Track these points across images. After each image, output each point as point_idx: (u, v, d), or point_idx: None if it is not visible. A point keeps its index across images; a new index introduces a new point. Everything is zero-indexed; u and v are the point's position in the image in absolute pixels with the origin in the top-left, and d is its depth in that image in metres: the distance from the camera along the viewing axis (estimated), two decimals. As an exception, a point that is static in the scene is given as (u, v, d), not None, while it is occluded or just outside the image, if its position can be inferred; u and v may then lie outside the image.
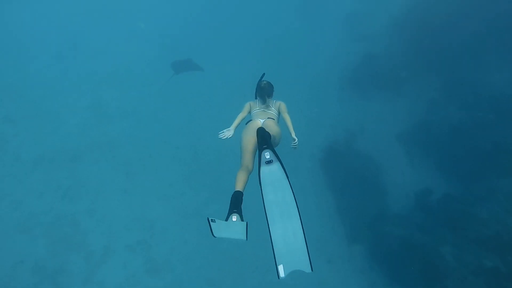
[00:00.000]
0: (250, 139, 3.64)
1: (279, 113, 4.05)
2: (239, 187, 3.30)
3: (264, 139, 3.43)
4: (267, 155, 3.37)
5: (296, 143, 3.64)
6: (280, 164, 3.37)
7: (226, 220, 3.05)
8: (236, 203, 3.13)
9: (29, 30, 15.73)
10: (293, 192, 3.30)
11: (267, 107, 4.04)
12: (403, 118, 10.70)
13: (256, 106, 4.09)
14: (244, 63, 13.65)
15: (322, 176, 10.44)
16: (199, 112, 12.36)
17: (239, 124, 3.93)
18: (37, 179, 9.94)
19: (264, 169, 3.35)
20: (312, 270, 3.06)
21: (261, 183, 3.32)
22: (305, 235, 3.16)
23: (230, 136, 3.80)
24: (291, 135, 3.68)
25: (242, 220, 3.05)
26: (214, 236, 3.01)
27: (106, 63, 14.41)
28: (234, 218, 3.03)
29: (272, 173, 3.35)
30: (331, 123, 11.38)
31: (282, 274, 3.06)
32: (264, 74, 4.24)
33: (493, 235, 7.62)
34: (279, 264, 3.09)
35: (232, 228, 3.01)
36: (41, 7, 17.18)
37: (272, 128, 3.75)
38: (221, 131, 3.82)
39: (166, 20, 16.96)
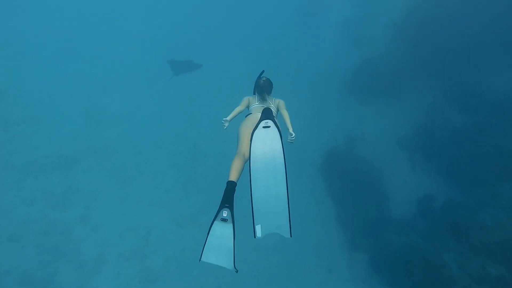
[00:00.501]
0: (250, 128, 3.56)
1: (277, 110, 3.99)
2: (233, 176, 3.20)
3: (268, 114, 3.48)
4: (267, 123, 3.36)
5: (293, 137, 3.58)
6: (277, 129, 3.34)
7: (217, 214, 3.03)
8: (228, 197, 3.07)
9: (23, 33, 15.59)
10: (284, 155, 3.23)
11: (266, 103, 3.99)
12: (404, 122, 10.60)
13: (255, 101, 4.03)
14: (243, 67, 13.54)
15: (321, 182, 10.29)
16: (197, 117, 12.20)
17: (235, 117, 3.84)
18: (28, 186, 9.66)
19: (260, 130, 3.34)
20: (291, 236, 3.06)
21: (252, 139, 3.28)
22: (289, 199, 3.15)
23: (225, 128, 3.74)
24: (288, 129, 3.64)
25: (232, 214, 3.02)
26: (200, 260, 3.01)
27: (102, 67, 14.28)
28: (225, 213, 3.00)
29: (266, 132, 3.32)
30: (331, 128, 11.27)
31: (258, 234, 3.07)
32: (263, 71, 4.18)
33: (498, 242, 7.44)
34: (256, 224, 3.09)
35: (221, 257, 3.01)
36: (36, 10, 17.07)
37: None
38: (223, 124, 3.76)
39: (164, 25, 16.91)
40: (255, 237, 3.10)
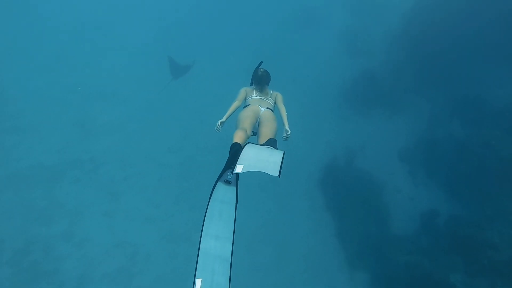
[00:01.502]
0: (249, 114, 3.60)
1: (275, 103, 3.96)
2: (237, 140, 3.16)
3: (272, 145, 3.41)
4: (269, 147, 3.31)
5: (288, 134, 3.54)
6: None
7: (221, 174, 2.86)
8: (234, 158, 2.88)
9: (13, 40, 15.23)
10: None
11: (264, 95, 3.95)
12: (405, 135, 10.44)
13: (252, 93, 3.96)
14: (239, 79, 13.36)
15: (320, 197, 10.00)
16: (191, 128, 11.89)
17: (231, 115, 3.72)
18: (7, 199, 9.03)
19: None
20: (279, 175, 2.70)
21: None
22: (284, 156, 2.88)
23: (220, 130, 3.62)
24: (284, 126, 3.61)
25: (237, 176, 2.85)
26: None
27: (93, 75, 13.96)
28: (229, 175, 2.86)
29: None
30: (330, 140, 11.04)
31: (238, 170, 2.74)
32: (261, 62, 4.17)
33: (507, 260, 7.11)
34: (239, 164, 2.79)
35: (215, 282, 2.71)
36: (26, 17, 16.82)
37: (270, 123, 3.63)
38: (217, 127, 3.63)
39: (159, 33, 16.82)
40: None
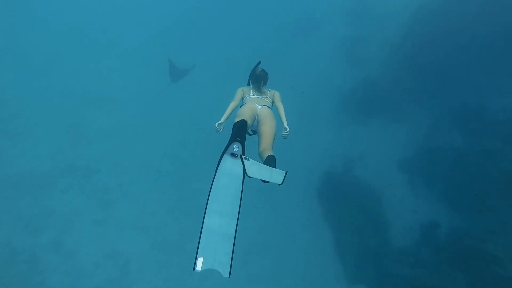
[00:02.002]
0: (247, 111, 3.56)
1: (272, 102, 3.95)
2: (241, 118, 3.24)
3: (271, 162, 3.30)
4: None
5: (287, 132, 3.53)
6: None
7: (227, 147, 2.83)
8: (239, 131, 2.92)
9: (6, 42, 15.02)
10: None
11: (262, 94, 3.93)
12: (404, 144, 10.26)
13: (250, 92, 3.94)
14: (235, 86, 13.24)
15: (318, 207, 9.79)
16: (187, 135, 11.71)
17: (230, 115, 3.66)
18: (-6, 207, 8.75)
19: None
20: (283, 182, 2.85)
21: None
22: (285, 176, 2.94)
23: (221, 131, 3.55)
24: (283, 124, 3.59)
25: (243, 149, 2.84)
26: (194, 269, 2.59)
27: (89, 79, 13.77)
28: (236, 148, 2.83)
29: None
30: (328, 149, 10.84)
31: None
32: (260, 61, 4.16)
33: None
34: (249, 160, 2.90)
35: (217, 261, 2.64)
36: (21, 16, 16.66)
37: (269, 120, 3.60)
38: (216, 128, 3.56)
39: (156, 36, 16.71)
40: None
